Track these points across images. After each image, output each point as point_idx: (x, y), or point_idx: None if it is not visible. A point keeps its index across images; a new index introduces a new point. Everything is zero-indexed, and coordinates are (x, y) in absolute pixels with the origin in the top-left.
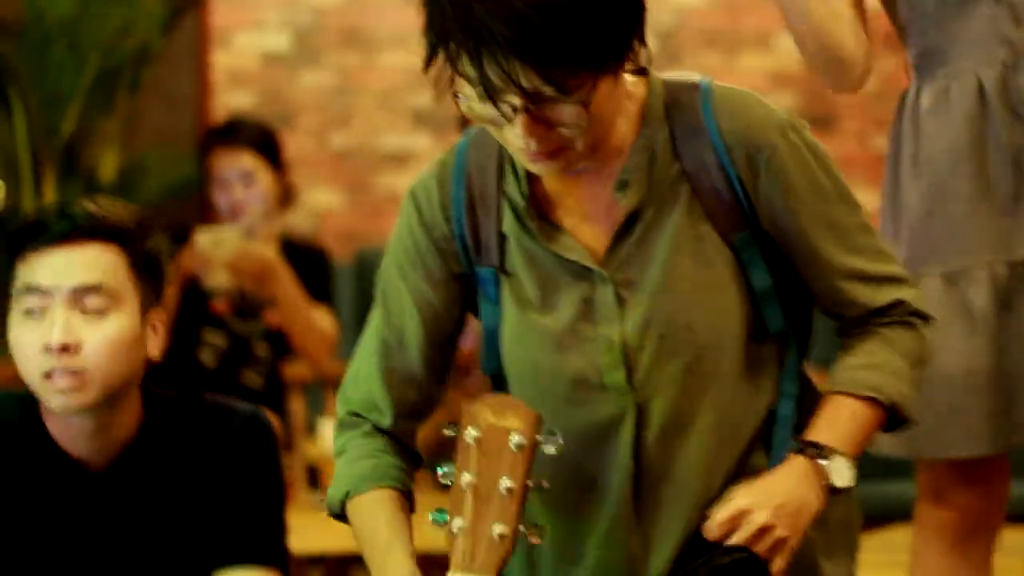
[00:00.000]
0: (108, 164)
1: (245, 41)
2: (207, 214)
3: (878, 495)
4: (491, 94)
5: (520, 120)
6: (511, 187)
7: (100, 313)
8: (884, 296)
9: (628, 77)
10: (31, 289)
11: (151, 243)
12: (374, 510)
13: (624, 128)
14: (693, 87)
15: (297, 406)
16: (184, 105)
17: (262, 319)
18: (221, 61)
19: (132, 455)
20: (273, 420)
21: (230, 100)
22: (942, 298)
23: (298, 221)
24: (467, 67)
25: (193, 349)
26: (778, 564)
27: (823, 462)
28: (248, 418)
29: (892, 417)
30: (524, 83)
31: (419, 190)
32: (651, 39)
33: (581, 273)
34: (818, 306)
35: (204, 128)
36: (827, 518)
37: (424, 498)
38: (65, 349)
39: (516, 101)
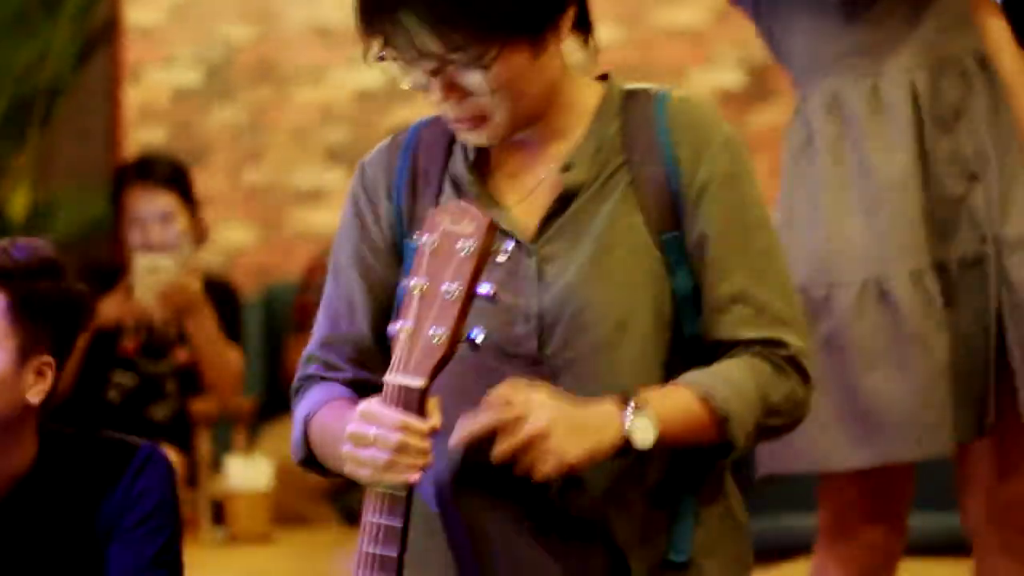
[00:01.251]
0: (19, 201)
1: (157, 76)
2: (120, 251)
3: (778, 528)
4: (403, 59)
5: (435, 85)
6: (457, 164)
7: None
8: (769, 332)
9: (591, 80)
10: None
11: (47, 286)
12: (330, 409)
13: (574, 118)
14: (652, 91)
15: (203, 442)
16: (96, 141)
17: (172, 358)
18: (133, 96)
19: (24, 490)
20: (179, 456)
21: (142, 136)
22: (913, 295)
23: (209, 258)
24: (379, 33)
25: (101, 389)
26: (541, 472)
27: (629, 411)
28: (145, 453)
29: (721, 436)
30: (422, 46)
31: (367, 161)
32: None
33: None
34: (701, 325)
35: (116, 164)
36: (704, 517)
37: (327, 535)
38: None
39: (428, 66)
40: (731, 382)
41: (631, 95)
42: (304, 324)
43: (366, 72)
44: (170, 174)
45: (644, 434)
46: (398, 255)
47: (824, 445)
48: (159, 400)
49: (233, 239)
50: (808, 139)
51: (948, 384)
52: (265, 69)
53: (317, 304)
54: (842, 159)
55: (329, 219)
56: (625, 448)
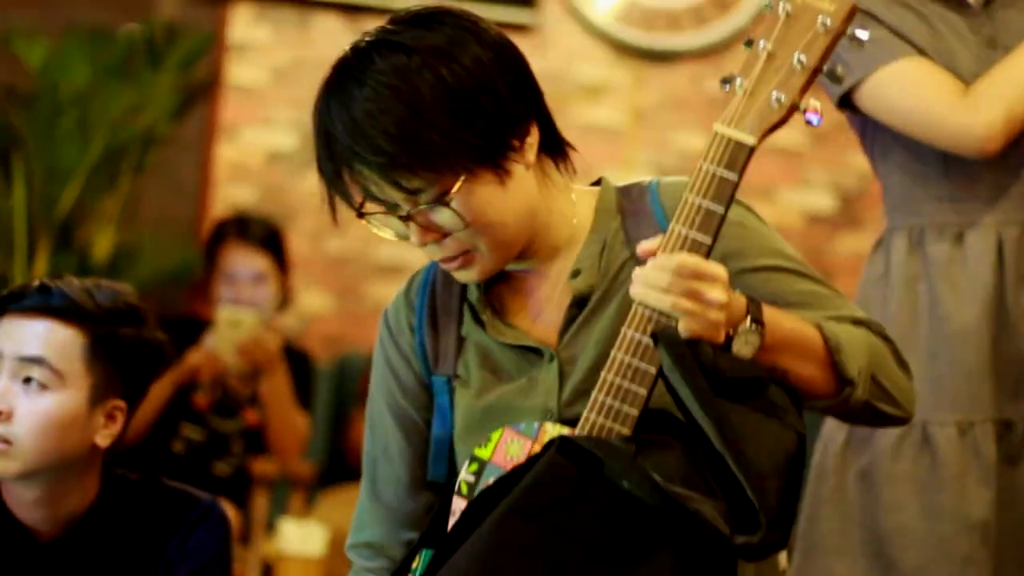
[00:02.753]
0: (103, 243)
1: (252, 136)
2: (198, 302)
3: None
4: (375, 211)
5: (412, 230)
6: (472, 291)
7: (41, 388)
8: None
9: (585, 188)
10: None
11: (127, 331)
12: None
13: (573, 229)
14: (643, 183)
15: (260, 502)
16: (186, 193)
17: (241, 417)
18: (226, 154)
19: (82, 529)
20: (234, 512)
21: (231, 193)
22: (957, 446)
23: (286, 322)
24: (342, 192)
25: (168, 440)
26: (690, 328)
27: (747, 321)
28: (205, 507)
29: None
30: (385, 196)
31: (390, 306)
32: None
33: (530, 357)
34: None
35: (203, 218)
36: None
37: None
38: None
39: (399, 213)
40: (843, 326)
41: (625, 192)
42: None
43: None
44: (267, 236)
45: (744, 348)
46: (428, 392)
47: (842, 573)
48: (223, 457)
49: (310, 305)
50: (886, 271)
51: (981, 540)
52: None
53: None
54: (915, 299)
55: None
56: (724, 346)
